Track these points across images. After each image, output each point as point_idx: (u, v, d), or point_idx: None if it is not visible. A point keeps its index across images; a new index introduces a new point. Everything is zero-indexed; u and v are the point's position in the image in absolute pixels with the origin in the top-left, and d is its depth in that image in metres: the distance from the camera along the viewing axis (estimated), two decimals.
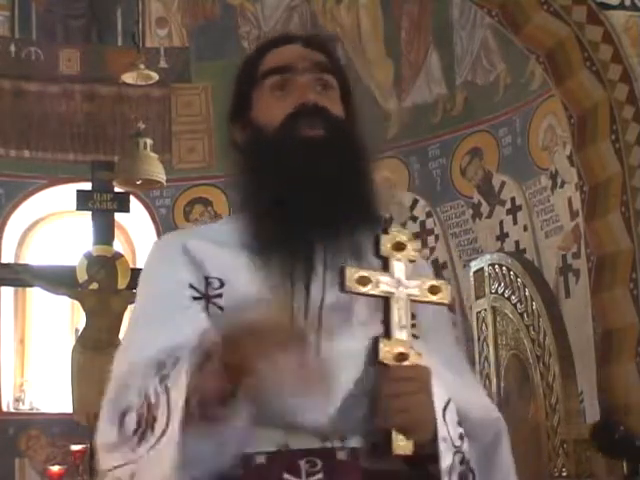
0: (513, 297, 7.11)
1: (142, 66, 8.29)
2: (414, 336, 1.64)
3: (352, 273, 1.61)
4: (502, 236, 8.25)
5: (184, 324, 1.64)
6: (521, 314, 7.03)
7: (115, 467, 1.59)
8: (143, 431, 1.57)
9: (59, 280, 8.25)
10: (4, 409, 9.13)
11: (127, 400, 1.60)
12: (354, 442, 1.65)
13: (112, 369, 1.70)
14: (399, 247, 1.66)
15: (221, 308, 1.70)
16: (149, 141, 8.21)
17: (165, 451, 1.54)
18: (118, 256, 8.49)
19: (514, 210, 8.17)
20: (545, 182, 7.89)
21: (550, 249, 7.79)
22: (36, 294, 9.21)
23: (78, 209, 8.55)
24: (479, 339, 7.48)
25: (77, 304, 8.60)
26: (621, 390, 6.21)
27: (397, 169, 8.98)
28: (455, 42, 8.79)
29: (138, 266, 8.57)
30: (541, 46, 6.65)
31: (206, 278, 1.72)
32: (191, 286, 1.71)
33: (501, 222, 8.28)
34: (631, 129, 6.27)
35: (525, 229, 8.06)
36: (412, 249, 1.67)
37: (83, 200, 8.47)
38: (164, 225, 9.43)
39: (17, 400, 9.27)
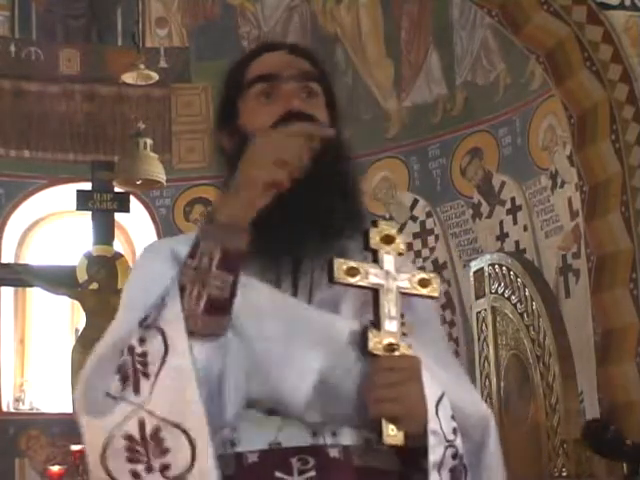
0: (513, 297, 7.12)
1: (142, 66, 8.30)
2: (403, 333, 1.65)
3: (341, 264, 1.61)
4: (502, 236, 8.25)
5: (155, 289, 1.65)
6: (521, 314, 7.03)
7: (115, 428, 1.56)
8: (135, 380, 1.56)
9: (59, 280, 8.26)
10: (4, 409, 9.13)
11: (108, 373, 1.60)
12: (345, 438, 1.66)
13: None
14: (388, 240, 1.67)
15: None
16: (149, 141, 8.22)
17: (174, 372, 1.54)
18: (118, 256, 8.49)
19: (514, 210, 8.17)
20: (545, 182, 7.90)
21: (550, 249, 7.79)
22: (36, 294, 9.22)
23: (78, 209, 8.56)
24: (479, 339, 7.48)
25: (77, 304, 8.61)
26: (621, 390, 6.21)
27: (397, 169, 8.99)
28: (455, 42, 8.79)
29: None
30: (541, 46, 6.65)
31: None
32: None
33: (501, 222, 8.28)
34: (631, 129, 6.28)
35: (525, 229, 8.06)
36: (401, 242, 1.68)
37: (83, 200, 8.48)
38: (164, 225, 9.44)
39: (17, 400, 9.27)
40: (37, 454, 8.89)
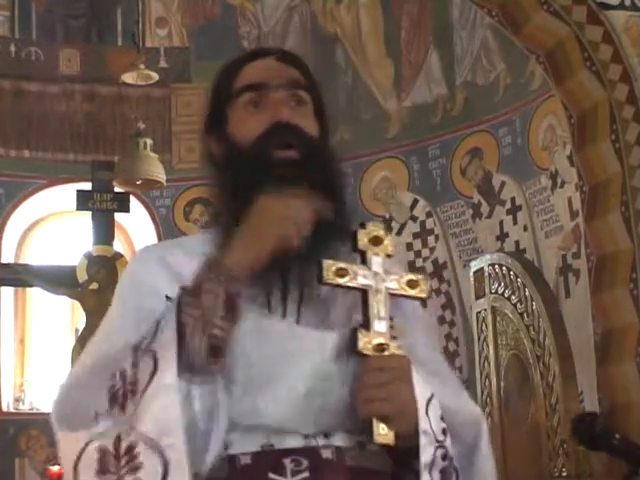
0: (513, 297, 7.12)
1: (142, 66, 8.30)
2: (392, 337, 1.66)
3: (330, 265, 1.63)
4: (502, 236, 8.25)
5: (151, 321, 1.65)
6: (521, 314, 7.03)
7: (91, 440, 1.57)
8: (123, 401, 1.57)
9: (59, 280, 8.25)
10: (4, 409, 9.13)
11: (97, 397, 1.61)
12: (338, 439, 1.66)
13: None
14: (376, 241, 1.67)
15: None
16: (149, 141, 8.21)
17: (158, 391, 1.54)
18: (118, 256, 8.49)
19: (514, 210, 8.17)
20: (545, 182, 7.90)
21: (550, 249, 7.79)
22: (36, 294, 9.21)
23: (78, 209, 8.55)
24: (479, 339, 7.48)
25: (77, 304, 8.61)
26: (621, 390, 6.21)
27: (397, 169, 8.99)
28: (455, 42, 8.79)
29: None
30: (541, 46, 6.65)
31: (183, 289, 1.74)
32: (168, 298, 1.71)
33: (501, 222, 8.28)
34: (631, 129, 6.27)
35: (525, 229, 8.06)
36: (389, 244, 1.68)
37: (83, 200, 8.47)
38: (164, 225, 9.44)
39: (17, 400, 9.27)
40: (37, 454, 8.88)
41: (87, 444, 1.57)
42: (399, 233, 8.83)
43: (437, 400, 1.66)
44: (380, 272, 1.66)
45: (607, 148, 6.36)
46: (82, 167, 9.01)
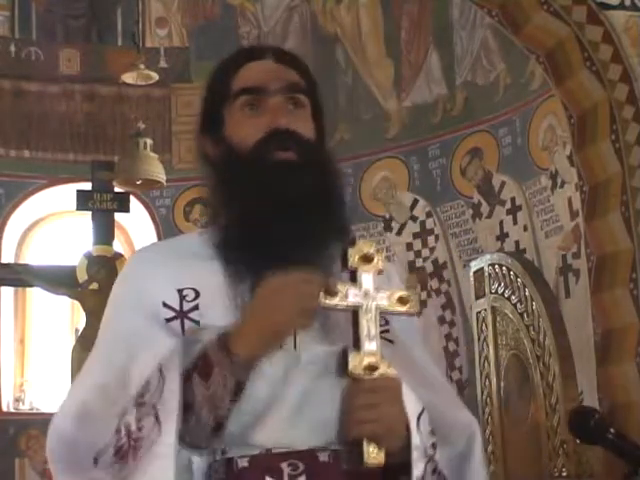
0: (513, 297, 7.12)
1: (142, 66, 8.30)
2: (389, 341, 1.67)
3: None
4: (502, 236, 8.25)
5: (149, 359, 1.65)
6: (521, 314, 7.03)
7: None
8: (125, 454, 1.60)
9: (59, 280, 8.25)
10: (4, 409, 9.13)
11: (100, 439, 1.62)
12: (334, 443, 1.67)
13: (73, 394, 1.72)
14: (367, 259, 1.67)
15: (197, 322, 1.71)
16: (149, 141, 8.21)
17: (155, 459, 1.57)
18: (118, 256, 8.48)
19: (514, 210, 8.17)
20: (545, 182, 7.90)
21: (550, 249, 7.79)
22: (36, 294, 9.21)
23: (78, 209, 8.55)
24: (479, 339, 7.48)
25: (77, 304, 8.60)
26: (621, 390, 6.21)
27: (397, 169, 8.99)
28: (455, 42, 8.79)
29: None
30: (541, 46, 6.65)
31: (180, 291, 1.73)
32: (165, 304, 1.72)
33: (501, 222, 8.28)
34: (631, 129, 6.27)
35: (525, 229, 8.06)
36: (379, 260, 1.69)
37: (83, 200, 8.47)
38: (164, 225, 9.44)
39: (17, 400, 9.27)
40: (37, 454, 8.88)
41: None
42: (399, 233, 8.83)
43: (427, 414, 1.67)
44: (370, 290, 1.66)
45: (607, 148, 6.36)
46: (82, 167, 9.00)
